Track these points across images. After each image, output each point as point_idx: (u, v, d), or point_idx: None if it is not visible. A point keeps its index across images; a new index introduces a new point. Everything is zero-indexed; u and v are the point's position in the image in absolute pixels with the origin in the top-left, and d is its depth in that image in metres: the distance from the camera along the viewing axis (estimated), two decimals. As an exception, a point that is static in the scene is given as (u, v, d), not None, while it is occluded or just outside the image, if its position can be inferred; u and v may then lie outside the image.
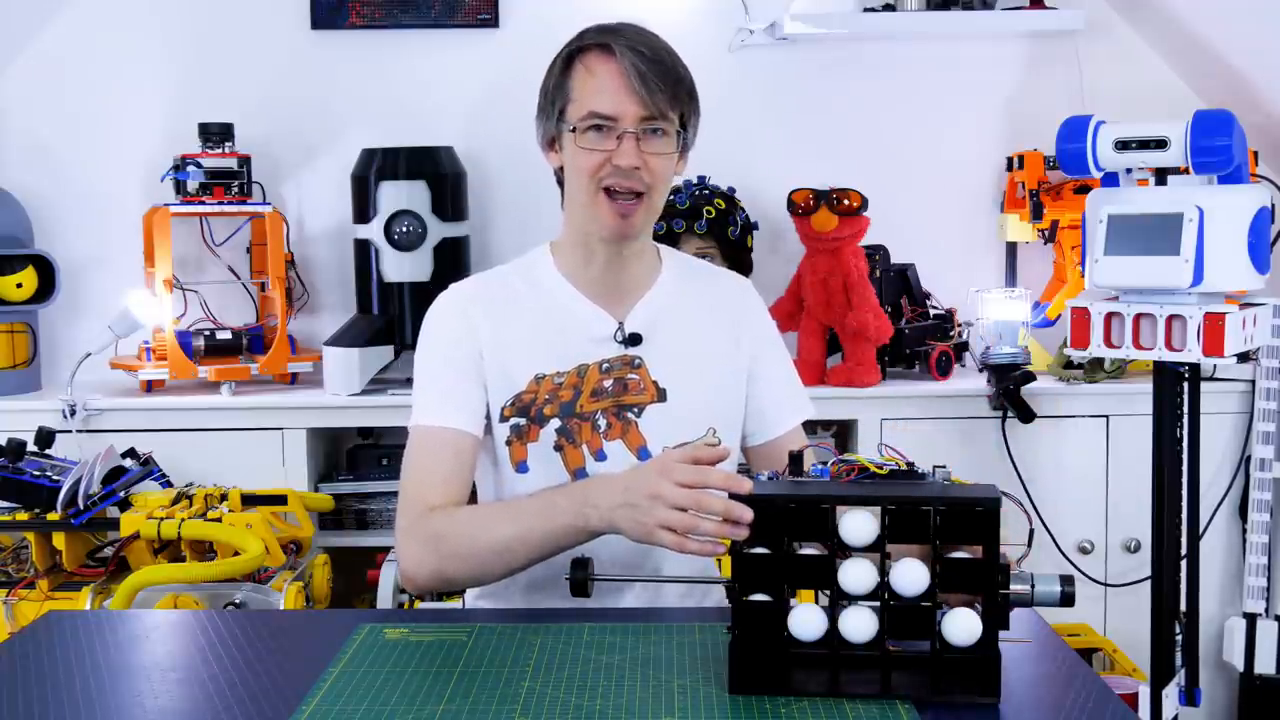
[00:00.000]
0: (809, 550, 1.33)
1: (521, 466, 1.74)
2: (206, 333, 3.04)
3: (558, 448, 1.72)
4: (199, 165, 2.97)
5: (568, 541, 1.58)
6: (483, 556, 1.61)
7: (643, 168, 1.67)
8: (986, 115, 3.22)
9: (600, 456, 1.72)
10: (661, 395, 1.75)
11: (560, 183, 1.79)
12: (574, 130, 1.68)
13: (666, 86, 1.66)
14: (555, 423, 1.72)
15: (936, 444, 2.83)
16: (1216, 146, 2.15)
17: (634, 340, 1.76)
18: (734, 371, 1.81)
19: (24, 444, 2.55)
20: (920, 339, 3.02)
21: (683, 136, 1.72)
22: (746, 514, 1.32)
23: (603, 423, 1.73)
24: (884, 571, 1.30)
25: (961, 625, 1.30)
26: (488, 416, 1.75)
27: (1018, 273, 3.20)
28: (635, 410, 1.74)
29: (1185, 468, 2.37)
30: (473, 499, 1.82)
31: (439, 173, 2.98)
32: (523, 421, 1.73)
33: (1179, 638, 2.39)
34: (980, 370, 2.96)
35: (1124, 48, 3.18)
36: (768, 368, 1.85)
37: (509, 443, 1.74)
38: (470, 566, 1.63)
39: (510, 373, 1.74)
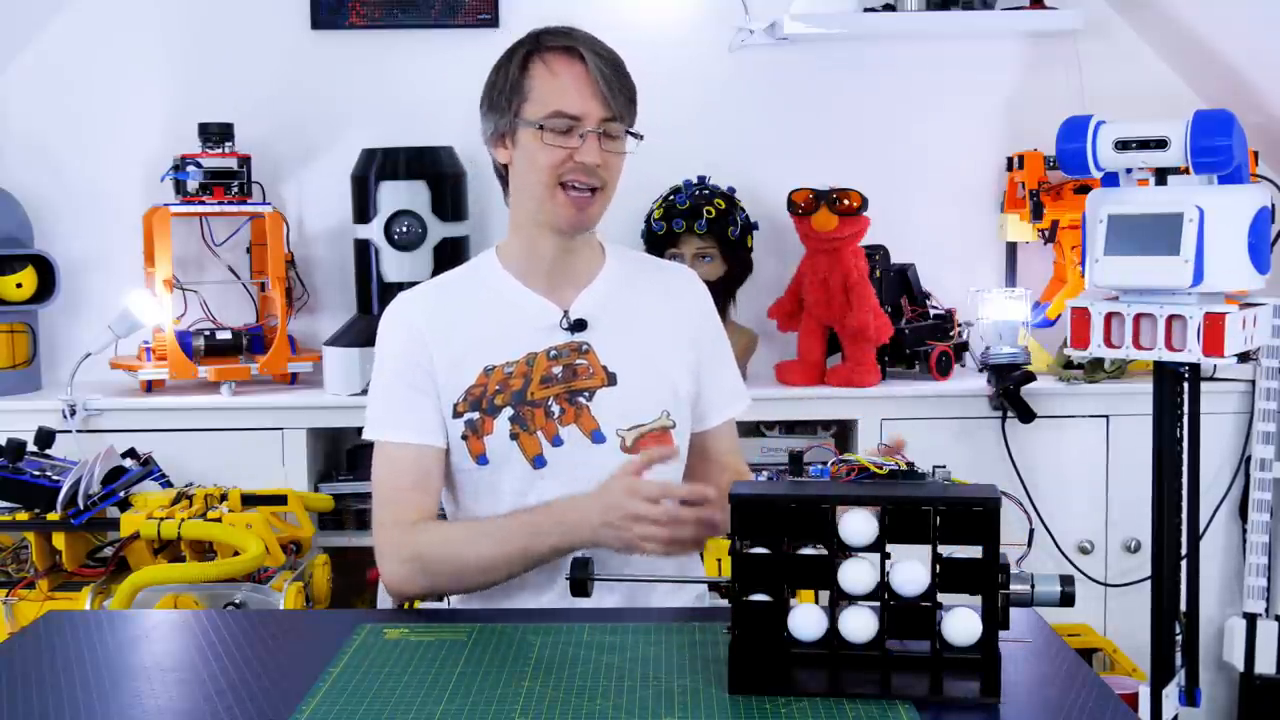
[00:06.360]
0: (809, 550, 1.33)
1: (481, 459, 1.77)
2: (206, 333, 3.04)
3: (513, 436, 1.76)
4: (199, 165, 2.97)
5: (550, 559, 1.67)
6: (467, 573, 1.71)
7: (602, 165, 1.74)
8: (986, 115, 3.22)
9: (556, 442, 1.76)
10: (611, 379, 1.79)
11: (502, 178, 1.84)
12: (540, 128, 1.72)
13: (625, 90, 1.75)
14: (508, 411, 1.76)
15: (936, 444, 2.83)
16: (1216, 146, 2.15)
17: (579, 326, 1.80)
18: (680, 354, 1.86)
19: (24, 444, 2.54)
20: (920, 339, 3.02)
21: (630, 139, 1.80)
22: (709, 492, 1.53)
23: (555, 409, 1.76)
24: (884, 571, 1.31)
25: (961, 625, 1.30)
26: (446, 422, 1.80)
27: (1018, 273, 3.20)
28: (586, 394, 1.78)
29: (1185, 468, 2.36)
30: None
31: (439, 173, 2.98)
32: (476, 415, 1.76)
33: (1179, 638, 2.39)
34: (980, 370, 2.96)
35: (1124, 48, 3.18)
36: (710, 360, 1.90)
37: (464, 437, 1.77)
38: (453, 582, 1.74)
39: (460, 369, 1.78)
